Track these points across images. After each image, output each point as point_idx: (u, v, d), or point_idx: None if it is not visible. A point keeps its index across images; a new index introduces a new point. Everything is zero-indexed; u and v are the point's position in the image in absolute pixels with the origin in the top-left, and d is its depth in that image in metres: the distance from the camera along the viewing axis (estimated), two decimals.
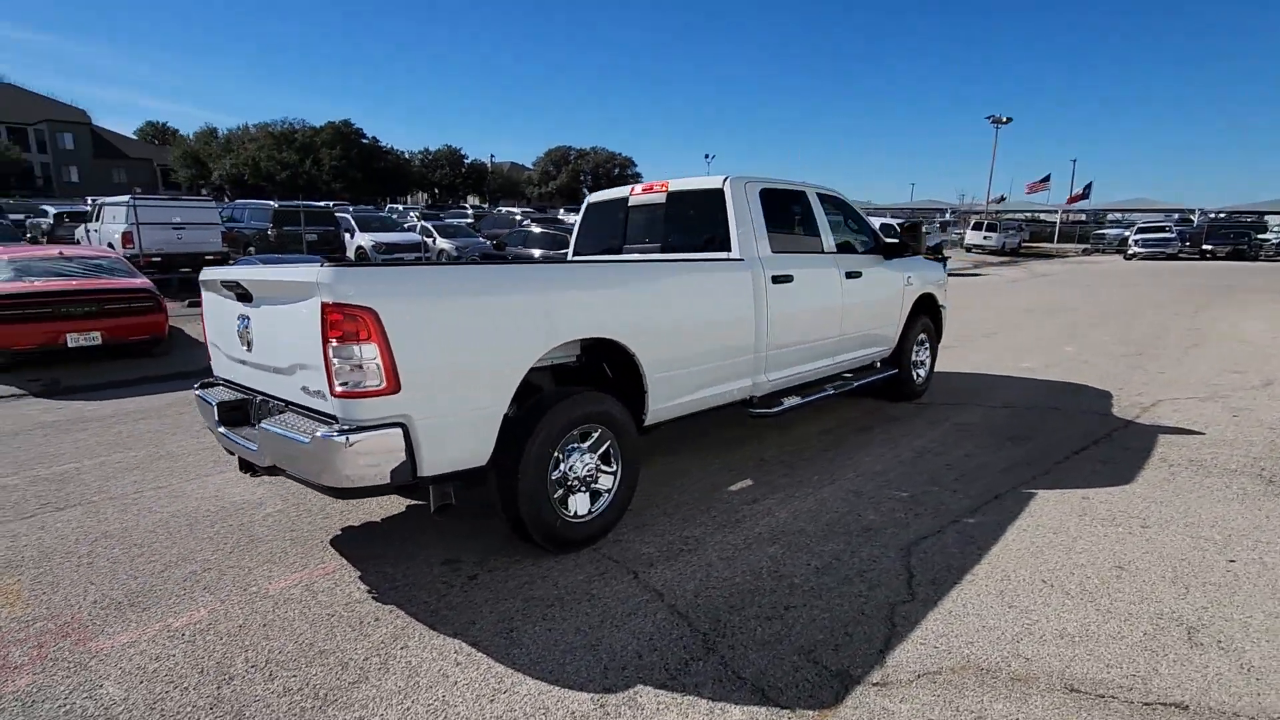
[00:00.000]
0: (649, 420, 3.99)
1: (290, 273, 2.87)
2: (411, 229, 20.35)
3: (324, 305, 2.64)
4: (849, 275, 5.39)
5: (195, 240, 14.71)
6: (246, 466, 3.47)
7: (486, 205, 74.62)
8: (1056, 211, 52.58)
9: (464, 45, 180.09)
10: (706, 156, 66.08)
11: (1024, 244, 40.90)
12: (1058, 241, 46.41)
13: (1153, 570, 3.22)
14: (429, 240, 19.62)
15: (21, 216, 26.63)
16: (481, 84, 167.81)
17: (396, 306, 2.72)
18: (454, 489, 3.20)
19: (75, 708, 2.44)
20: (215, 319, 3.68)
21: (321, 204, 23.35)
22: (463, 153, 78.41)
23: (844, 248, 5.73)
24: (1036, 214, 59.61)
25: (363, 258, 18.16)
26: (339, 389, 2.69)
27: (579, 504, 3.55)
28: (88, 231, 16.23)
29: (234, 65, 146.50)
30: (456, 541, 3.69)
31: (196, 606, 3.10)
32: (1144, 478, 4.43)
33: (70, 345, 8.14)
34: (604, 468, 3.68)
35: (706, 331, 4.18)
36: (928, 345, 6.77)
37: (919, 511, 3.98)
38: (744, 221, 4.62)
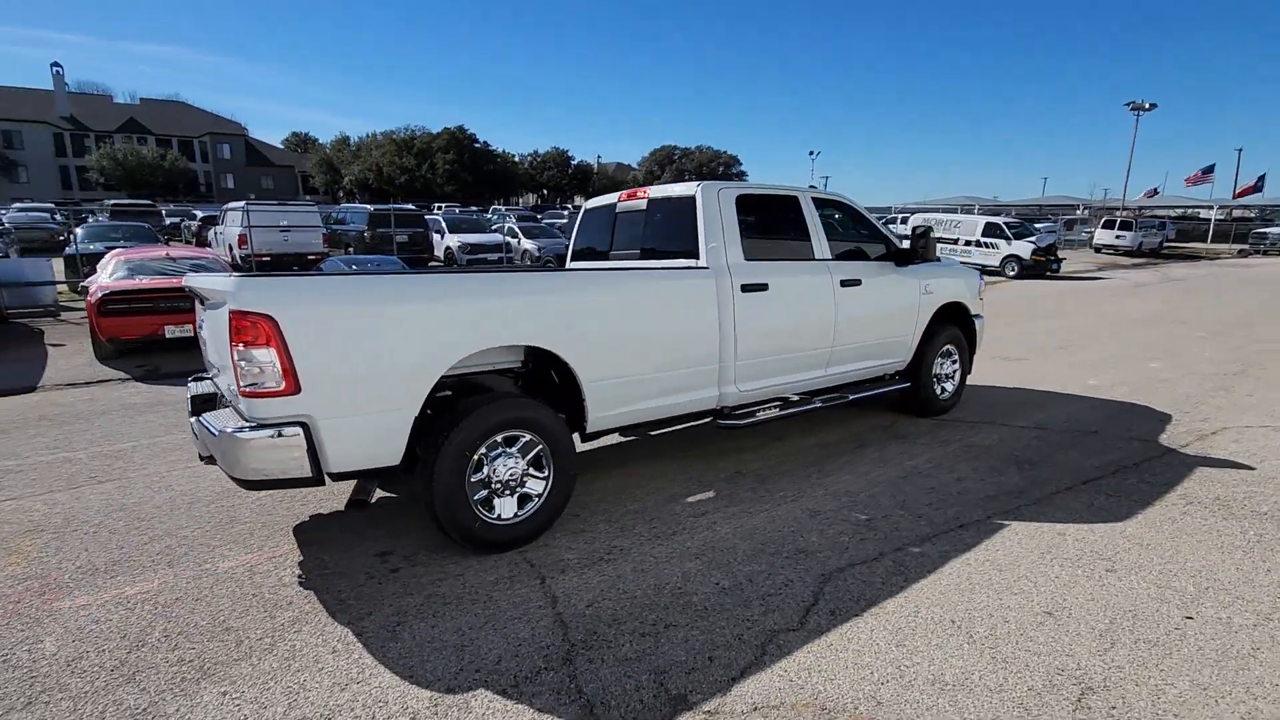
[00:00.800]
0: (591, 428, 4.03)
1: (216, 281, 3.16)
2: (499, 230, 21.25)
3: (230, 312, 2.90)
4: (845, 283, 5.16)
5: (299, 241, 16.14)
6: (201, 455, 3.83)
7: None
8: (1213, 208, 46.89)
9: (575, 49, 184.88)
10: (811, 153, 64.27)
11: (1166, 244, 36.80)
12: (1211, 241, 41.39)
13: (1086, 620, 2.89)
14: (514, 241, 20.40)
15: (177, 220, 30.24)
16: (591, 86, 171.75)
17: (296, 314, 2.94)
18: (373, 486, 3.40)
19: (13, 659, 2.82)
20: (197, 318, 4.09)
21: (411, 206, 24.90)
22: (570, 154, 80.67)
23: (850, 254, 5.50)
24: (1195, 209, 53.44)
25: (450, 258, 19.18)
26: (244, 389, 2.94)
27: (505, 507, 3.66)
28: (215, 234, 18.20)
29: (370, 76, 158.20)
30: (400, 535, 3.89)
31: (154, 577, 3.48)
32: (1146, 515, 3.95)
33: (168, 336, 9.20)
34: (535, 473, 3.76)
35: (659, 341, 4.15)
36: (956, 358, 6.32)
37: (866, 536, 3.77)
38: (713, 229, 4.54)
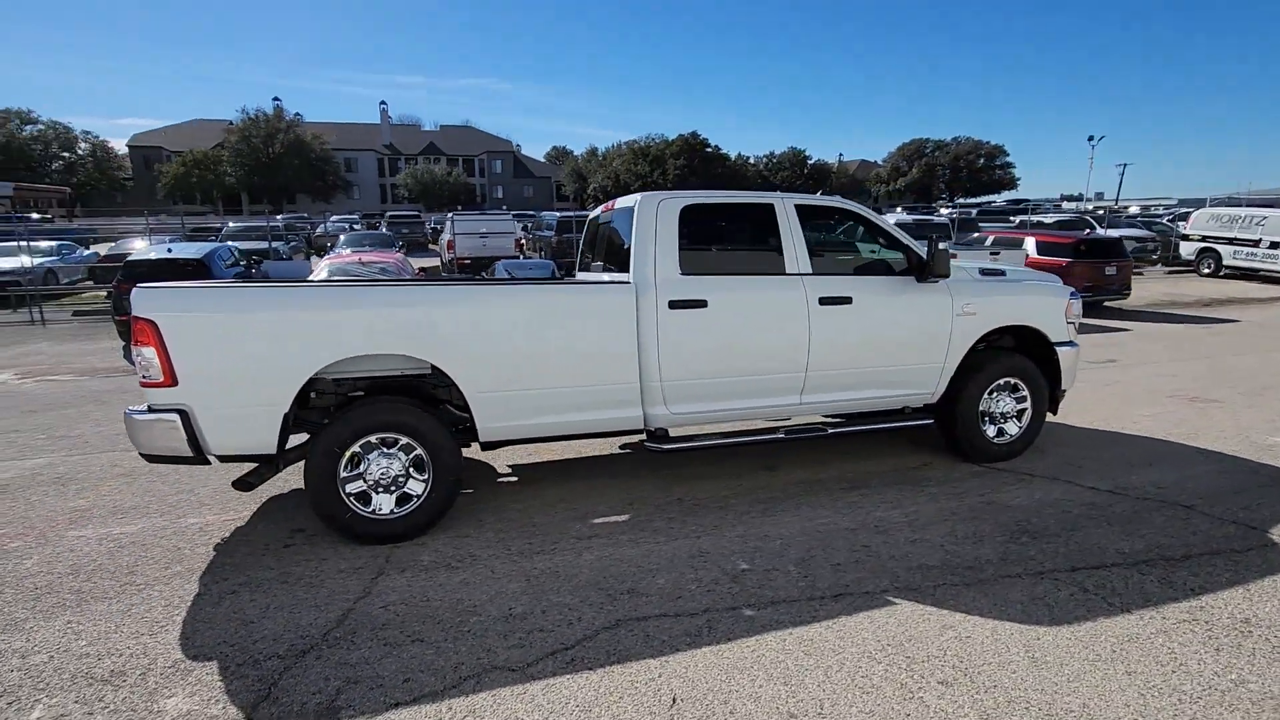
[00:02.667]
0: (484, 438, 4.13)
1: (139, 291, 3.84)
2: None
3: (131, 316, 3.56)
4: (826, 301, 4.55)
5: (495, 246, 18.14)
6: None
7: None
8: None
9: (829, 45, 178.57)
10: (1091, 139, 54.68)
11: None
12: None
13: None
14: None
15: (437, 227, 35.74)
16: (836, 82, 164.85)
17: (173, 319, 3.51)
18: (268, 470, 3.92)
19: (39, 585, 3.74)
20: None
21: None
22: (806, 154, 78.57)
23: (863, 268, 4.86)
24: None
25: None
26: (141, 379, 3.60)
27: (382, 503, 3.93)
28: (439, 240, 21.25)
29: (627, 89, 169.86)
30: None
31: (141, 522, 4.36)
32: (1100, 624, 2.93)
33: None
34: (416, 475, 3.98)
35: (560, 356, 4.10)
36: (1024, 394, 5.16)
37: (718, 589, 3.36)
38: (645, 242, 4.34)
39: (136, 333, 3.53)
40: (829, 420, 5.02)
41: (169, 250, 12.24)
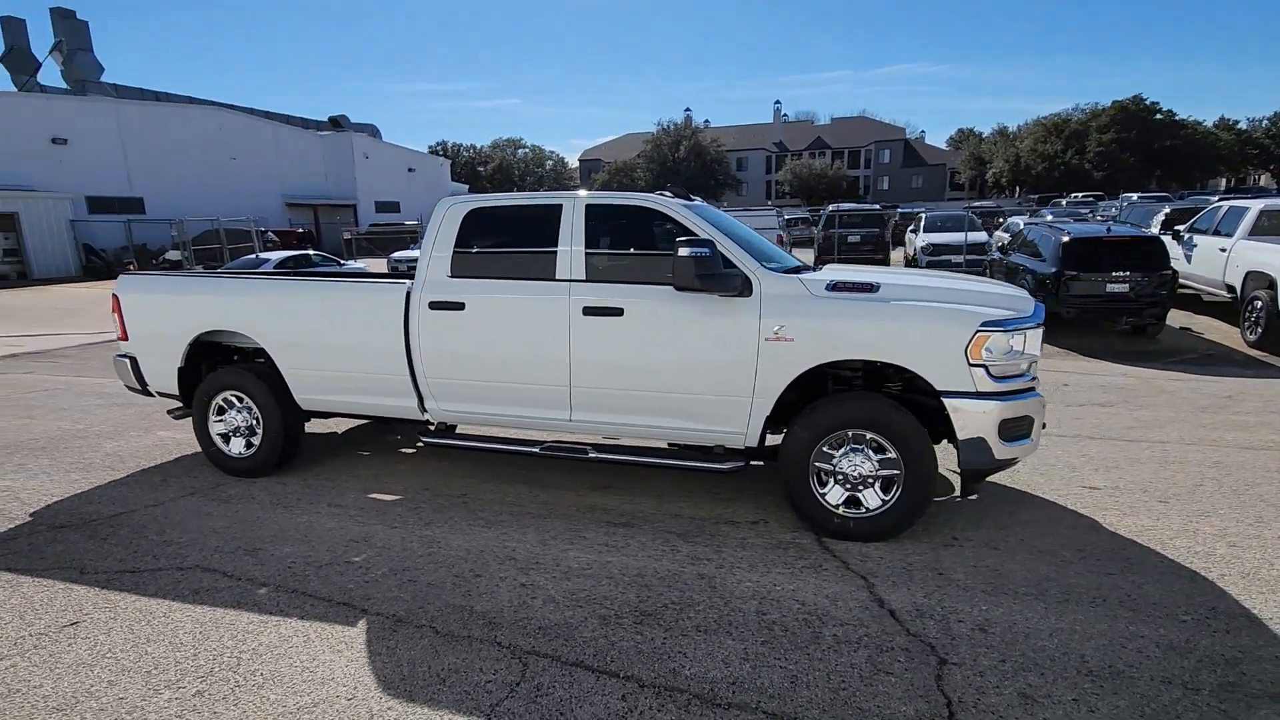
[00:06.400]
0: (304, 407, 4.97)
1: None
2: (996, 228, 18.37)
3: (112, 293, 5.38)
4: (592, 311, 4.10)
5: None
6: None
7: None
8: None
9: None
10: None
11: None
12: None
13: None
14: (1005, 236, 17.30)
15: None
16: None
17: (125, 295, 5.20)
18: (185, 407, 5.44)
19: (91, 446, 6.09)
20: None
21: (875, 206, 23.21)
22: None
23: (642, 274, 4.17)
24: None
25: (913, 259, 17.88)
26: (117, 334, 5.41)
27: (235, 445, 5.12)
28: None
29: (1082, 47, 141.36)
30: None
31: (179, 435, 6.39)
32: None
33: None
34: (259, 428, 5.05)
35: (344, 345, 4.67)
36: (890, 455, 3.71)
37: (298, 570, 3.61)
38: (427, 244, 4.57)
39: (113, 303, 5.34)
40: (595, 443, 4.42)
41: None
